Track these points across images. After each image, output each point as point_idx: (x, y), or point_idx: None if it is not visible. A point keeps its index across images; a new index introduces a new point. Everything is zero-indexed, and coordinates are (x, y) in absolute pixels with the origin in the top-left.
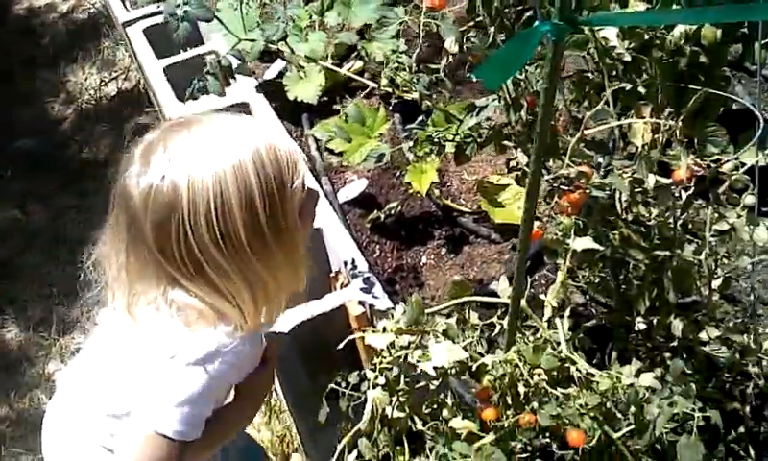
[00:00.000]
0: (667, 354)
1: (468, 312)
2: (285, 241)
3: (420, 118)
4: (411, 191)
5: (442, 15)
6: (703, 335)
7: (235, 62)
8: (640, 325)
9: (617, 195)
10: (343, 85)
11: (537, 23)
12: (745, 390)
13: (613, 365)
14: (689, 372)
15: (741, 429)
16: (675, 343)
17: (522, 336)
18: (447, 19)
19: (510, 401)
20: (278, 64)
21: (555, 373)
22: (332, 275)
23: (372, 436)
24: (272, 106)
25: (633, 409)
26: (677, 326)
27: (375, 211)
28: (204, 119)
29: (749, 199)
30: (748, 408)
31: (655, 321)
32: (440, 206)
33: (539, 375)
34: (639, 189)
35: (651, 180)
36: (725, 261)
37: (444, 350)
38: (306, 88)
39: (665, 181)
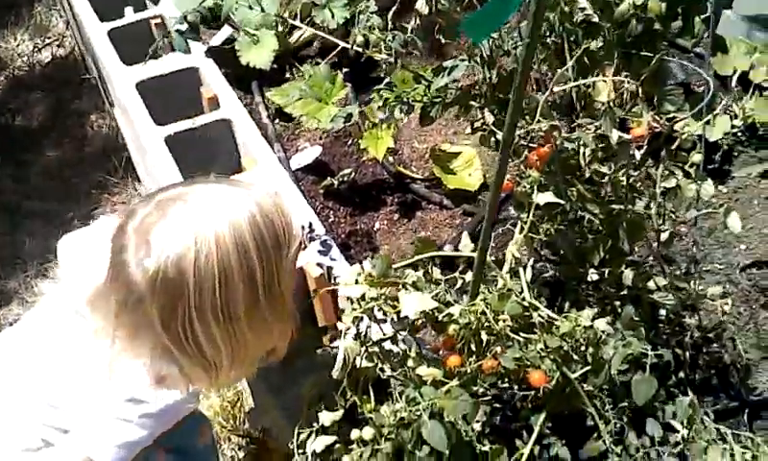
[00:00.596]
0: (617, 303)
1: (431, 268)
2: (278, 308)
3: (387, 80)
4: (364, 158)
5: None
6: (651, 284)
7: (184, 26)
8: (593, 275)
9: (581, 151)
10: (292, 53)
11: None
12: (683, 339)
13: (570, 313)
14: (637, 319)
15: (681, 375)
16: (624, 292)
17: (486, 288)
18: None
19: (474, 348)
20: (226, 31)
21: (518, 320)
22: None
23: (342, 385)
24: (222, 72)
25: (591, 350)
26: (628, 275)
27: (329, 178)
28: (198, 189)
29: (696, 157)
30: (687, 354)
31: (606, 272)
32: (392, 173)
33: (504, 321)
34: (603, 145)
35: (615, 135)
36: (672, 215)
37: (413, 299)
38: (260, 54)
39: (626, 136)
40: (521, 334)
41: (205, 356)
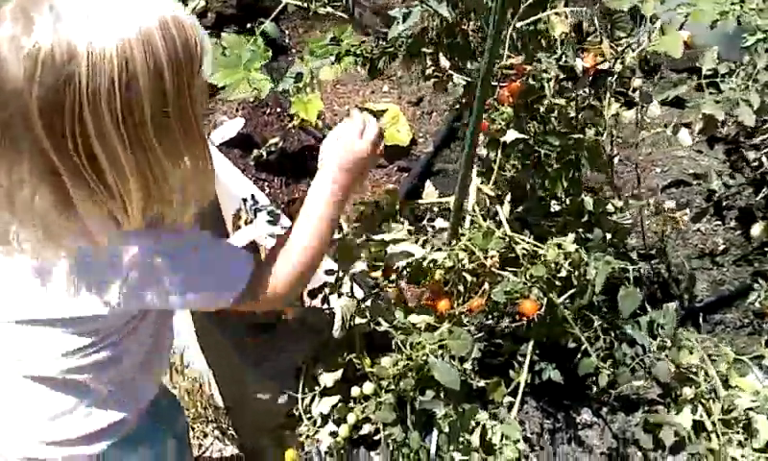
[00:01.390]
0: (579, 230)
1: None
2: (191, 130)
3: (331, 36)
4: (288, 125)
5: None
6: (609, 207)
7: None
8: (555, 207)
9: (546, 84)
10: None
11: None
12: (632, 258)
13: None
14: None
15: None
16: (585, 219)
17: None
18: None
19: (462, 290)
20: None
21: (502, 255)
22: (233, 214)
23: (342, 345)
24: None
25: (576, 272)
26: (588, 202)
27: (256, 150)
28: None
29: (637, 82)
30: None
31: (569, 201)
32: (319, 137)
33: (491, 258)
34: (564, 76)
35: (579, 63)
36: (620, 141)
37: (403, 249)
38: None
39: (587, 64)
40: (508, 269)
41: (107, 184)
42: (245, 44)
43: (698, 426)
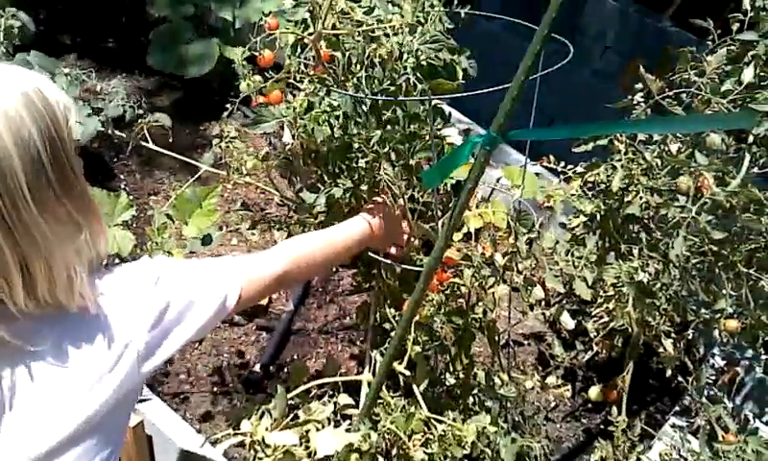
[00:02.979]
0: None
1: (335, 393)
2: (75, 191)
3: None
4: None
5: None
6: (497, 380)
7: None
8: (450, 380)
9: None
10: None
11: (472, 135)
12: None
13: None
14: None
15: None
16: (475, 390)
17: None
18: None
19: None
20: None
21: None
22: None
23: None
24: None
25: (489, 451)
26: (480, 375)
27: None
28: None
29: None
30: None
31: (462, 375)
32: None
33: (413, 441)
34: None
35: (498, 258)
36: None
37: (329, 437)
38: None
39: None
40: (425, 450)
41: None
42: (107, 199)
43: None
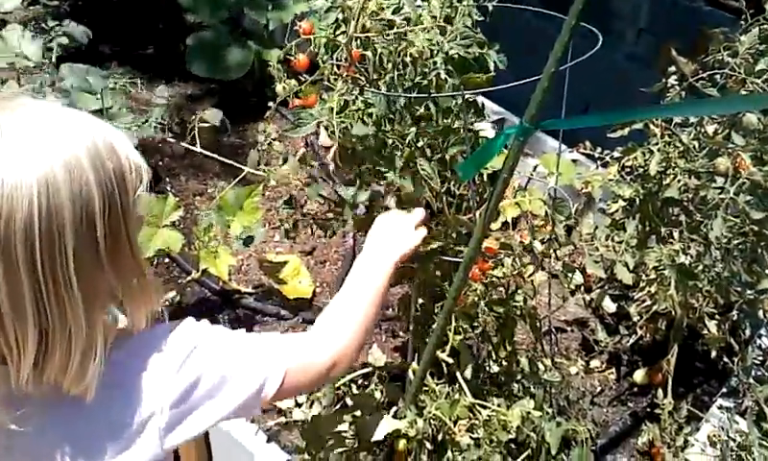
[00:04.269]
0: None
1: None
2: (125, 268)
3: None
4: (187, 279)
5: None
6: (540, 366)
7: None
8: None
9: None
10: None
11: (506, 127)
12: None
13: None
14: None
15: None
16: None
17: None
18: None
19: (426, 458)
20: None
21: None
22: None
23: None
24: None
25: (534, 435)
26: (524, 362)
27: None
28: (27, 101)
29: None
30: None
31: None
32: (216, 290)
33: (459, 426)
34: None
35: (537, 245)
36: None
37: (378, 423)
38: None
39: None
40: (471, 435)
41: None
42: (155, 202)
43: None
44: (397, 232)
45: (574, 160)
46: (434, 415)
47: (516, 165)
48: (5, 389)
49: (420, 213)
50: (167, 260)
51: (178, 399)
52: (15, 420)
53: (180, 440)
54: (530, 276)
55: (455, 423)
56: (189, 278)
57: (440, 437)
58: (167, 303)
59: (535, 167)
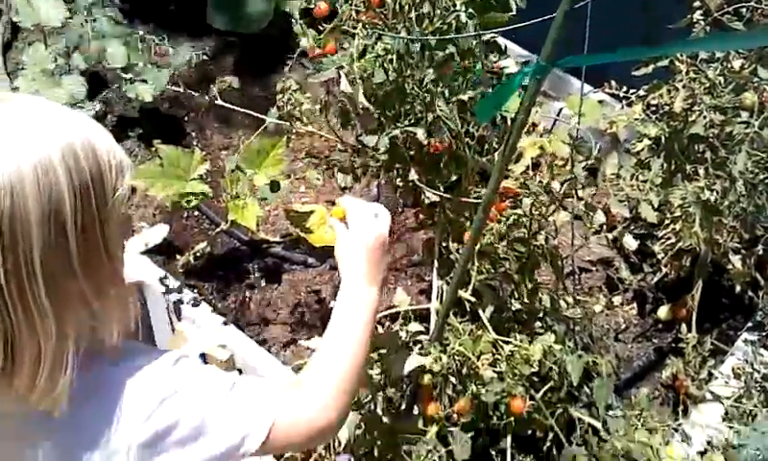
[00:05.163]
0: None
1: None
2: (100, 273)
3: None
4: (216, 230)
5: None
6: (562, 304)
7: None
8: (516, 305)
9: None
10: None
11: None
12: None
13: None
14: None
15: None
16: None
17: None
18: None
19: (450, 393)
20: None
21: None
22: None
23: None
24: None
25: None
26: (546, 300)
27: (179, 256)
28: (12, 96)
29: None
30: None
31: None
32: (244, 240)
33: (482, 361)
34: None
35: (555, 185)
36: None
37: (403, 359)
38: None
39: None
40: (494, 369)
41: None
42: (182, 156)
43: None
44: (362, 242)
45: (600, 101)
46: (457, 351)
47: (532, 105)
48: None
49: (367, 204)
50: (196, 213)
51: (148, 441)
52: None
53: None
54: (550, 216)
55: (478, 358)
56: (218, 229)
57: (464, 371)
58: (198, 253)
59: (560, 110)
